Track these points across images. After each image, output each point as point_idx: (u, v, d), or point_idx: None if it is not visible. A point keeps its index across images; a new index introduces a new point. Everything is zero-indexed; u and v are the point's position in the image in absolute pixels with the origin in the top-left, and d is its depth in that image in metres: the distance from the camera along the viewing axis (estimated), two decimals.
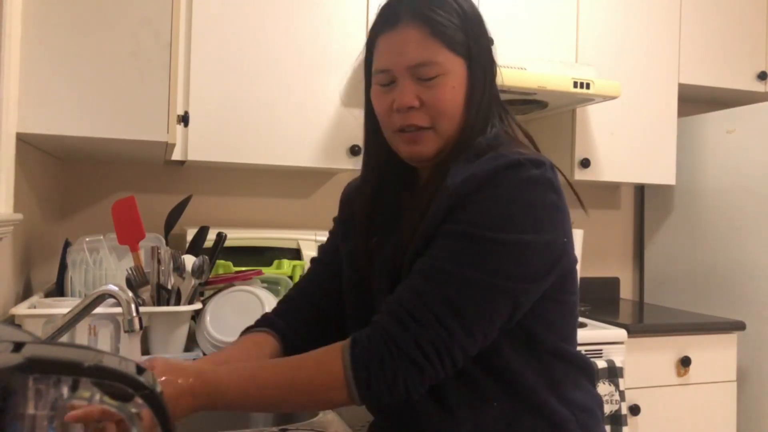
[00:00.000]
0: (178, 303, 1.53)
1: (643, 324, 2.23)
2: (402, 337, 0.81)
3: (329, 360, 0.83)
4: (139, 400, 0.47)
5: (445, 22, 0.90)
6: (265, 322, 1.08)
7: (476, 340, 0.83)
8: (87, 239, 1.69)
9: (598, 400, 0.98)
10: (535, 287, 0.86)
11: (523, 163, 0.85)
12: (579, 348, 0.98)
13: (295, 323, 1.07)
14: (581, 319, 2.17)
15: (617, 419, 2.00)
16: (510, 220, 0.83)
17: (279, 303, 1.13)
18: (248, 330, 1.08)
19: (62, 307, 1.32)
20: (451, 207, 0.85)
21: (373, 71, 0.96)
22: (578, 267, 2.24)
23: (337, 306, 1.06)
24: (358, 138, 2.16)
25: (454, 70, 0.91)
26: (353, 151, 2.11)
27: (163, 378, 0.80)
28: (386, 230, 0.97)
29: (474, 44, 0.93)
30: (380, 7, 0.96)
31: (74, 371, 0.45)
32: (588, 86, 2.11)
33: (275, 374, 0.84)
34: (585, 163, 2.37)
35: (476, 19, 0.94)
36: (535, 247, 0.84)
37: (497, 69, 0.97)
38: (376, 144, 1.00)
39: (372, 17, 2.32)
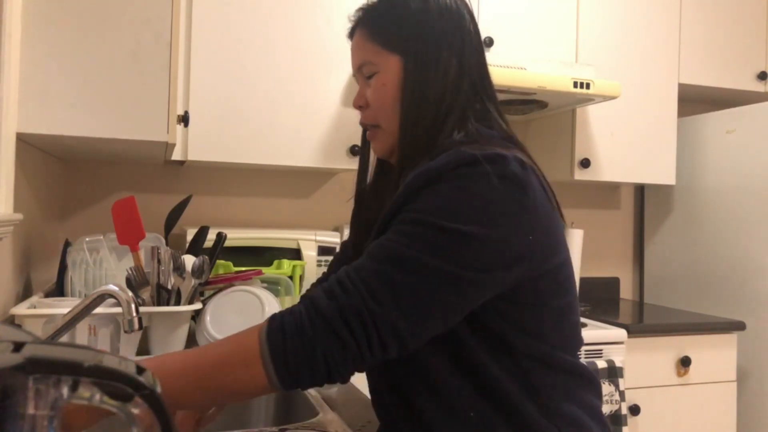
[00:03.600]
0: (178, 303, 1.53)
1: (643, 324, 2.23)
2: (326, 306, 0.75)
3: (245, 335, 0.77)
4: (139, 400, 0.47)
5: (381, 23, 0.96)
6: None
7: (411, 324, 0.76)
8: (87, 239, 1.69)
9: (595, 412, 0.91)
10: (485, 279, 0.79)
11: (480, 159, 0.80)
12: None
13: None
14: (581, 319, 2.17)
15: (617, 419, 2.00)
16: (461, 211, 0.79)
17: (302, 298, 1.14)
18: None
19: (62, 307, 1.32)
20: (404, 200, 0.83)
21: None
22: (578, 267, 2.25)
23: None
24: (358, 138, 2.16)
25: (387, 67, 0.94)
26: (353, 151, 2.11)
27: None
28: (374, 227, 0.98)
29: (411, 40, 0.92)
30: None
31: (74, 371, 0.45)
32: (588, 86, 2.11)
33: (183, 359, 0.77)
34: (585, 163, 2.37)
35: (424, 12, 0.92)
36: (485, 239, 0.78)
37: (471, 58, 0.94)
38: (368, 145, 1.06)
39: None
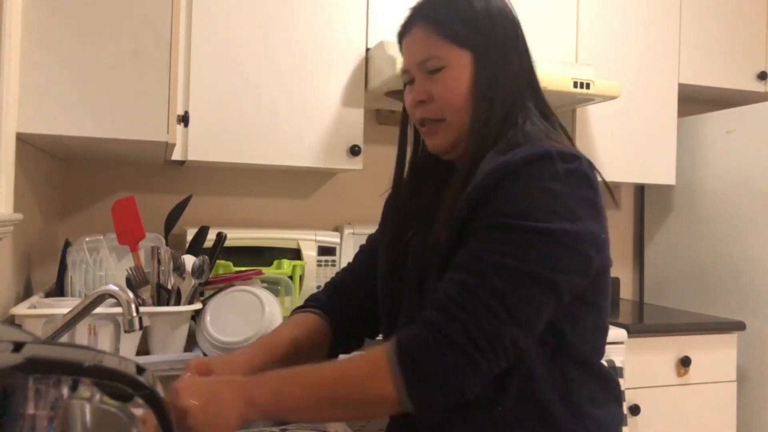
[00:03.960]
0: (178, 303, 1.53)
1: (643, 324, 2.23)
2: (451, 328, 0.78)
3: (372, 355, 0.81)
4: (139, 400, 0.47)
5: (447, 19, 0.95)
6: (314, 302, 1.13)
7: (525, 332, 0.80)
8: (87, 239, 1.69)
9: (618, 419, 0.94)
10: (578, 278, 0.84)
11: (554, 155, 0.84)
12: None
13: (341, 307, 1.12)
14: None
15: None
16: (541, 208, 0.81)
17: (326, 285, 1.19)
18: (298, 310, 1.13)
19: (62, 307, 1.32)
20: (480, 196, 0.85)
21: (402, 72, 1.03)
22: None
23: (374, 297, 1.09)
24: (358, 138, 2.17)
25: (457, 62, 0.94)
26: (353, 151, 2.11)
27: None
28: (423, 223, 0.99)
29: (482, 38, 0.94)
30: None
31: (74, 371, 0.45)
32: (588, 86, 2.11)
33: (311, 376, 0.83)
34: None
35: (488, 13, 0.96)
36: (573, 236, 0.81)
37: (526, 62, 0.99)
38: (417, 140, 1.06)
39: (372, 18, 2.33)
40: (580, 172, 0.85)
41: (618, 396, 0.95)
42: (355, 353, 0.87)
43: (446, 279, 0.83)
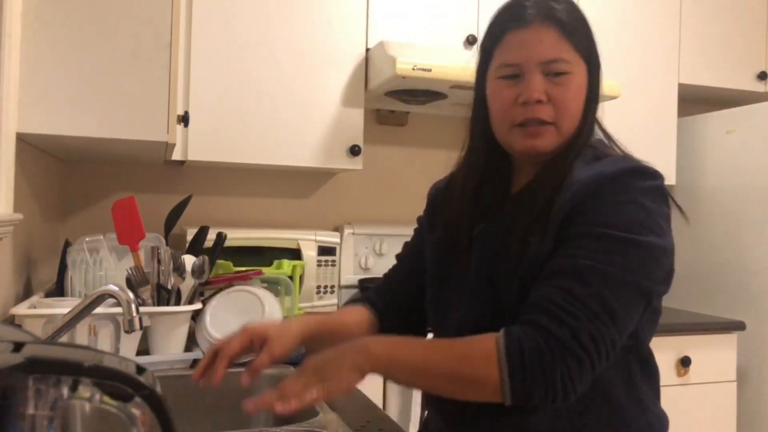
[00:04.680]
0: (178, 303, 1.53)
1: None
2: (559, 331, 0.81)
3: (483, 340, 0.84)
4: (139, 400, 0.47)
5: (573, 25, 0.97)
6: (365, 299, 1.16)
7: (622, 334, 0.85)
8: (87, 239, 1.69)
9: (667, 419, 1.03)
10: (663, 287, 0.92)
11: (645, 171, 0.91)
12: None
13: (389, 307, 1.14)
14: None
15: None
16: (638, 222, 0.87)
17: (377, 286, 1.20)
18: (350, 303, 1.17)
19: (62, 307, 1.32)
20: (578, 204, 0.88)
21: (496, 65, 0.98)
22: None
23: (419, 301, 1.10)
24: (358, 138, 2.17)
25: (579, 71, 0.97)
26: (353, 151, 2.11)
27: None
28: (490, 220, 0.99)
29: (593, 50, 1.00)
30: (506, 5, 1.00)
31: (74, 371, 0.45)
32: None
33: (432, 341, 0.91)
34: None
35: (590, 27, 1.02)
36: (662, 249, 0.89)
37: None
38: (482, 137, 1.03)
39: (372, 18, 2.33)
40: (661, 189, 0.92)
41: (658, 396, 1.03)
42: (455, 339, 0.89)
43: (550, 285, 0.86)
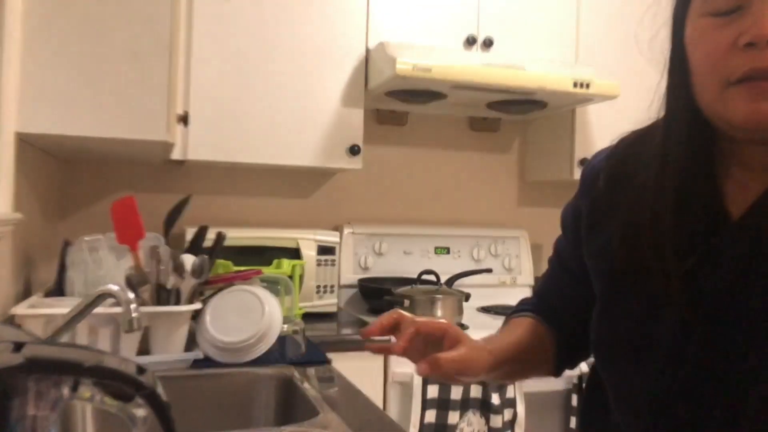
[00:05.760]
0: (178, 303, 1.53)
1: None
2: None
3: None
4: (139, 400, 0.47)
5: None
6: (530, 307, 0.93)
7: None
8: (86, 239, 1.69)
9: None
10: None
11: None
12: None
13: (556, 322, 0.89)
14: None
15: None
16: None
17: (534, 305, 0.94)
18: (514, 314, 0.93)
19: (62, 307, 1.32)
20: None
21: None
22: None
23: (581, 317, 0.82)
24: (358, 138, 2.17)
25: None
26: (353, 150, 2.11)
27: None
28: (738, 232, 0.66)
29: None
30: None
31: (75, 371, 0.45)
32: (587, 86, 2.11)
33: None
34: (585, 163, 2.37)
35: None
36: None
37: None
38: (683, 108, 0.69)
39: (372, 18, 2.33)
40: None
41: None
42: None
43: None
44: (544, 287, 0.93)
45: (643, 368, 0.69)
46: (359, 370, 1.79)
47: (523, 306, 0.94)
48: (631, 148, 0.81)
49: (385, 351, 0.80)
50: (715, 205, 0.68)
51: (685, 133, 0.69)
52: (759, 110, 0.61)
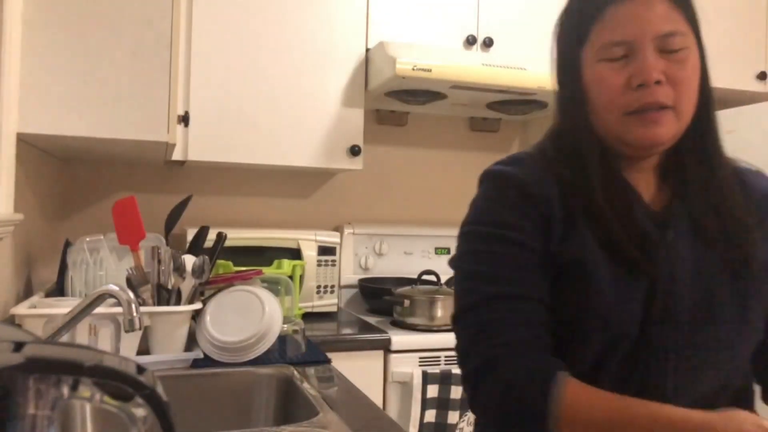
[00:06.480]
0: (178, 303, 1.53)
1: None
2: None
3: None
4: (139, 400, 0.47)
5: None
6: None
7: None
8: (87, 239, 1.69)
9: None
10: None
11: None
12: None
13: None
14: None
15: None
16: None
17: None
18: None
19: (63, 307, 1.32)
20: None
21: (598, 45, 0.83)
22: None
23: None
24: (358, 138, 2.17)
25: (693, 45, 0.85)
26: (353, 151, 2.11)
27: None
28: (683, 229, 0.85)
29: (698, 27, 0.87)
30: None
31: (75, 371, 0.45)
32: None
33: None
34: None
35: None
36: None
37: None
38: (587, 131, 0.85)
39: (372, 18, 2.33)
40: None
41: None
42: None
43: None
44: (533, 317, 0.82)
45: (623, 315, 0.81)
46: (359, 370, 1.79)
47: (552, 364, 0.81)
48: (555, 164, 0.88)
49: None
50: (641, 201, 0.86)
51: (598, 155, 0.85)
52: (650, 133, 0.81)
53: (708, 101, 0.87)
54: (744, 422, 0.68)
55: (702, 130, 0.86)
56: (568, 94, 0.87)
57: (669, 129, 0.81)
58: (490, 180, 0.89)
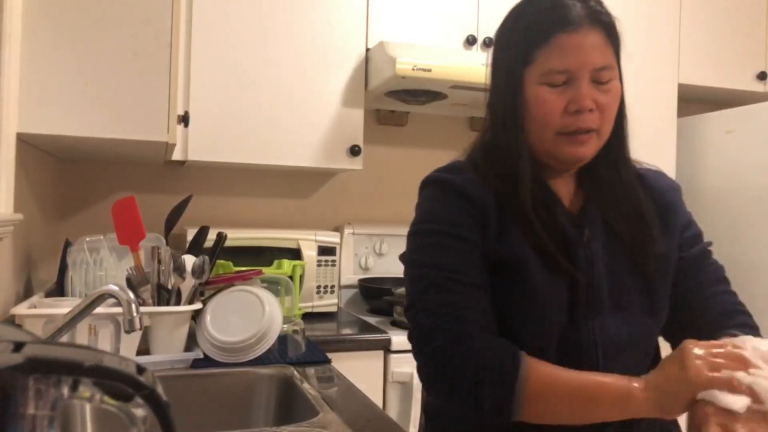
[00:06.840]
0: (178, 303, 1.53)
1: None
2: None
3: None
4: (139, 400, 0.47)
5: (613, 27, 0.95)
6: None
7: None
8: (87, 239, 1.69)
9: None
10: None
11: None
12: None
13: None
14: None
15: None
16: None
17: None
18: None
19: (63, 307, 1.32)
20: (677, 211, 1.05)
21: (542, 70, 0.92)
22: None
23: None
24: (358, 138, 2.17)
25: (617, 75, 0.96)
26: (353, 151, 2.11)
27: None
28: (597, 230, 0.98)
29: (620, 54, 0.98)
30: (551, 7, 0.93)
31: (74, 371, 0.45)
32: None
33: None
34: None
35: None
36: None
37: None
38: (522, 149, 0.95)
39: (372, 18, 2.33)
40: None
41: None
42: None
43: (723, 292, 1.11)
44: (478, 303, 0.91)
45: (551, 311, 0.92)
46: (359, 370, 1.79)
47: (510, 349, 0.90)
48: (488, 177, 0.98)
49: None
50: (562, 205, 0.99)
51: (529, 165, 0.95)
52: (578, 152, 0.94)
53: (622, 120, 1.01)
54: (691, 351, 0.82)
55: (614, 144, 1.00)
56: (507, 110, 0.96)
57: (592, 148, 0.95)
58: (433, 185, 0.99)
